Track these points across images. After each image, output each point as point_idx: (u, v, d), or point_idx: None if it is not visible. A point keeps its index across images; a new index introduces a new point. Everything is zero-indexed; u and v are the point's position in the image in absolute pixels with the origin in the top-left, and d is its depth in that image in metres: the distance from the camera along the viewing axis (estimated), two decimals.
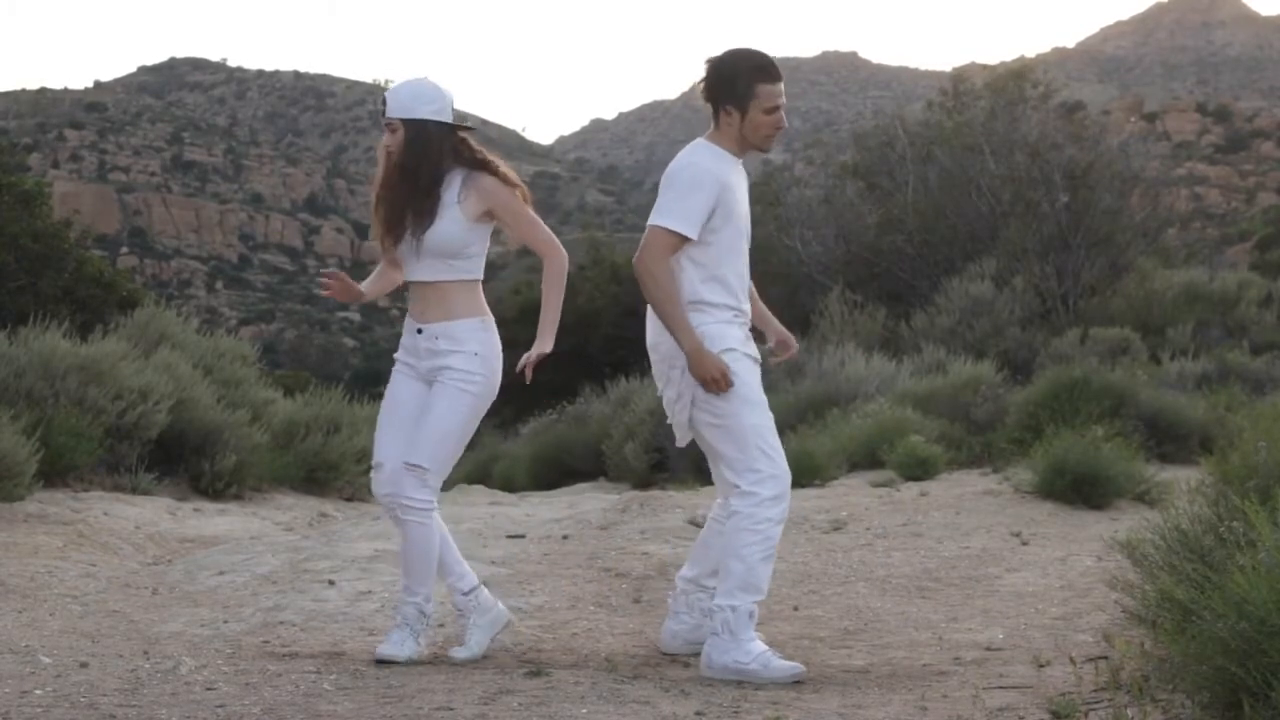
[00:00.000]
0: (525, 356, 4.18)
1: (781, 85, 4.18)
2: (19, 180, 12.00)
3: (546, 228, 4.29)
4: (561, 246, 4.28)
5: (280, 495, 9.26)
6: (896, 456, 9.17)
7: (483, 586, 4.39)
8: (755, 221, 4.66)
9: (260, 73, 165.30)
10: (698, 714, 3.49)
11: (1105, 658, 3.85)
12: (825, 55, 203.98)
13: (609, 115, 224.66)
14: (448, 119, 4.21)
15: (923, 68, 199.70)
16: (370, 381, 18.06)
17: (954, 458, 9.80)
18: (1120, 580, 4.18)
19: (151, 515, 7.33)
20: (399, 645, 4.18)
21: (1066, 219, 17.42)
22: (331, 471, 9.77)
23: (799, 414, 11.45)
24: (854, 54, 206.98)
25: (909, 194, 19.39)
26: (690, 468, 10.47)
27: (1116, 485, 7.55)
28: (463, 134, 4.26)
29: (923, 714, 3.47)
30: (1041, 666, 4.00)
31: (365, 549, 5.97)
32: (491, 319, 4.29)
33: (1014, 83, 22.01)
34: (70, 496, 7.48)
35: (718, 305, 4.14)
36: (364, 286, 4.40)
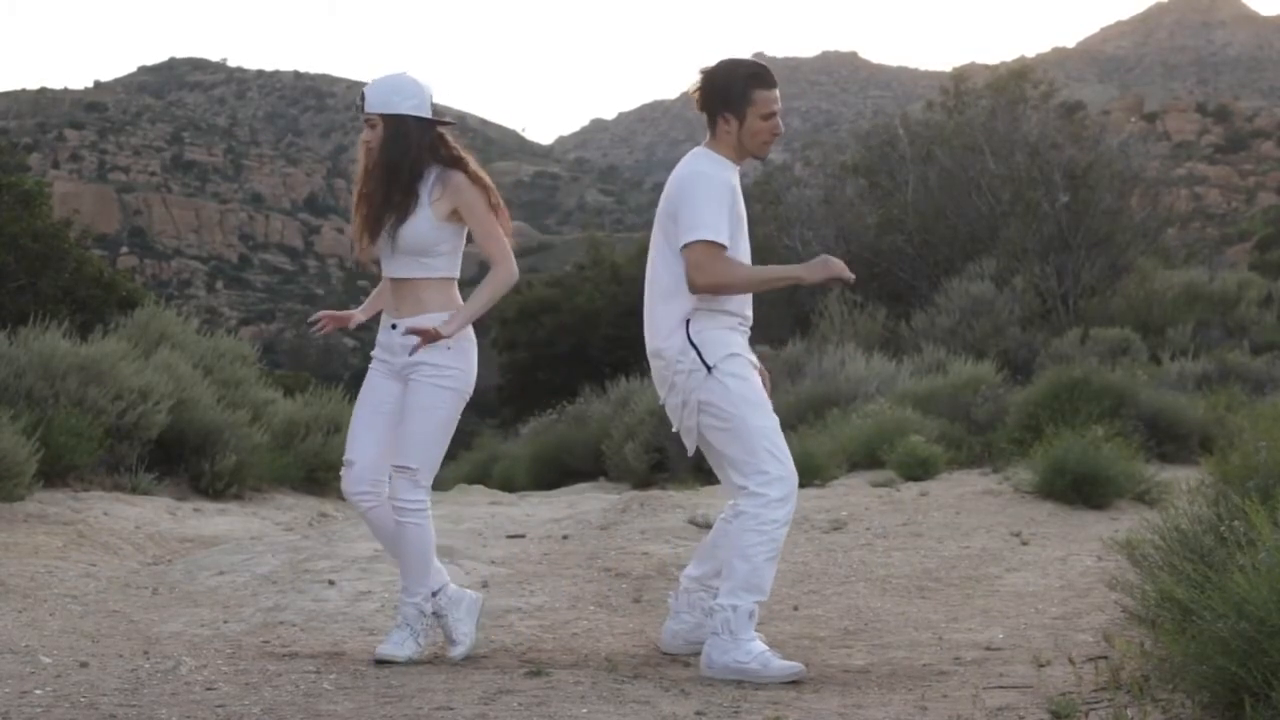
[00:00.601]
0: (420, 317, 4.13)
1: (777, 91, 4.17)
2: (19, 180, 11.99)
3: (505, 239, 4.20)
4: (513, 262, 4.21)
5: (280, 495, 9.26)
6: (896, 456, 9.17)
7: (449, 583, 4.36)
8: (755, 221, 4.67)
9: (260, 73, 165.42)
10: (698, 714, 3.49)
11: (1105, 658, 3.85)
12: (825, 55, 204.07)
13: (609, 115, 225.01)
14: (427, 114, 4.18)
15: (923, 68, 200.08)
16: None
17: (954, 458, 9.79)
18: (1120, 580, 4.19)
19: (151, 515, 7.33)
20: (399, 645, 4.18)
21: (1066, 219, 17.43)
22: (331, 471, 9.74)
23: (799, 414, 11.45)
24: (854, 54, 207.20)
25: (909, 194, 19.38)
26: (690, 468, 10.45)
27: (1116, 485, 7.55)
28: (441, 129, 4.23)
29: (923, 714, 3.47)
30: (1041, 666, 4.00)
31: (365, 549, 5.96)
32: None
33: (1014, 83, 22.00)
34: (70, 496, 7.47)
35: (721, 312, 4.14)
36: (363, 306, 4.49)
